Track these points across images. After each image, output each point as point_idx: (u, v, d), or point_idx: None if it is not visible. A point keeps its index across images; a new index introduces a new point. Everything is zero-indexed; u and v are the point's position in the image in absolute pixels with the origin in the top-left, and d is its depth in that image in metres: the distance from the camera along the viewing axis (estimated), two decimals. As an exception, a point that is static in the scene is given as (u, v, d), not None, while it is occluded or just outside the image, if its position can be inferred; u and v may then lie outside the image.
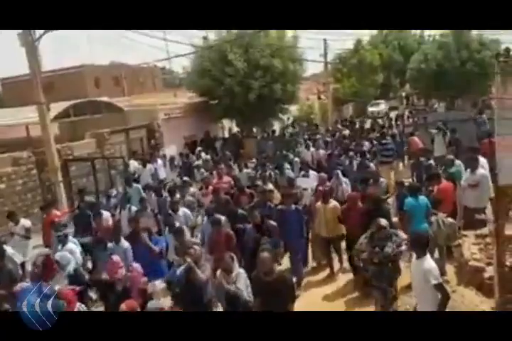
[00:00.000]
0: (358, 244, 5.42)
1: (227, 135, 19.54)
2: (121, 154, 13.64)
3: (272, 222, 6.41)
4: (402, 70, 31.13)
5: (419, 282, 4.20)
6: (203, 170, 11.52)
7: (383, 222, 5.20)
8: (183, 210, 7.65)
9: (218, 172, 10.19)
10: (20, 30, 9.26)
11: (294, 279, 6.88)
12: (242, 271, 5.06)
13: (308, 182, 9.18)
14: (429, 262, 4.18)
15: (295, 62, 17.20)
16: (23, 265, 6.95)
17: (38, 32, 9.38)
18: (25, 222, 7.71)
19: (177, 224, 6.90)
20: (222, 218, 6.75)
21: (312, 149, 13.00)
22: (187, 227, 7.09)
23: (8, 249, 6.49)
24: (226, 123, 19.96)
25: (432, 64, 24.55)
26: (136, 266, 5.66)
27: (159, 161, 12.88)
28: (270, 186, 8.62)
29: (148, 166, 12.21)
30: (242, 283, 4.85)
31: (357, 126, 19.41)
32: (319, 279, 7.18)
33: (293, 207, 6.92)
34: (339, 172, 9.23)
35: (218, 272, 5.12)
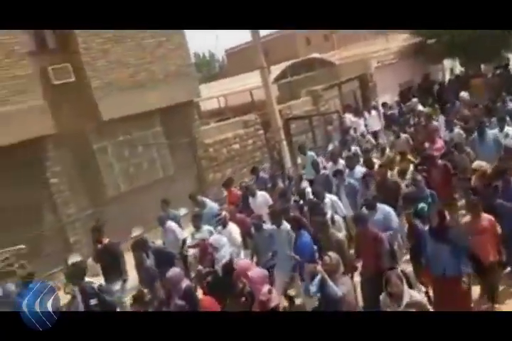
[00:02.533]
0: None
1: (448, 77, 17.39)
2: (336, 109, 13.75)
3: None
4: None
5: None
6: (368, 137, 10.00)
7: None
8: (329, 197, 6.40)
9: (429, 133, 8.24)
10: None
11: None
12: (416, 294, 3.84)
13: None
14: None
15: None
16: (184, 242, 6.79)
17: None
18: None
19: (328, 214, 5.78)
20: (386, 210, 5.35)
21: None
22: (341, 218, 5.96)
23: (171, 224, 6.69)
24: (447, 64, 17.70)
25: None
26: (255, 273, 4.66)
27: (373, 112, 12.49)
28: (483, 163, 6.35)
29: (361, 119, 12.02)
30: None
31: None
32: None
33: None
34: None
35: (382, 296, 3.85)
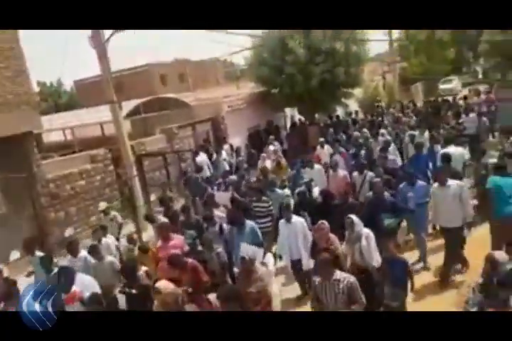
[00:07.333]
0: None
1: (289, 124, 19.41)
2: (190, 147, 14.06)
3: None
4: (476, 43, 28.83)
5: None
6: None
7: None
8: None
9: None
10: (90, 33, 9.79)
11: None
12: None
13: None
14: None
15: (358, 43, 16.56)
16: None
17: (108, 33, 9.87)
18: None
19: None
20: None
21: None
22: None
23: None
24: (288, 111, 19.79)
25: (510, 36, 22.42)
26: None
27: (223, 154, 13.13)
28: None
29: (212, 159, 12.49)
30: None
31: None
32: None
33: None
34: None
35: None
